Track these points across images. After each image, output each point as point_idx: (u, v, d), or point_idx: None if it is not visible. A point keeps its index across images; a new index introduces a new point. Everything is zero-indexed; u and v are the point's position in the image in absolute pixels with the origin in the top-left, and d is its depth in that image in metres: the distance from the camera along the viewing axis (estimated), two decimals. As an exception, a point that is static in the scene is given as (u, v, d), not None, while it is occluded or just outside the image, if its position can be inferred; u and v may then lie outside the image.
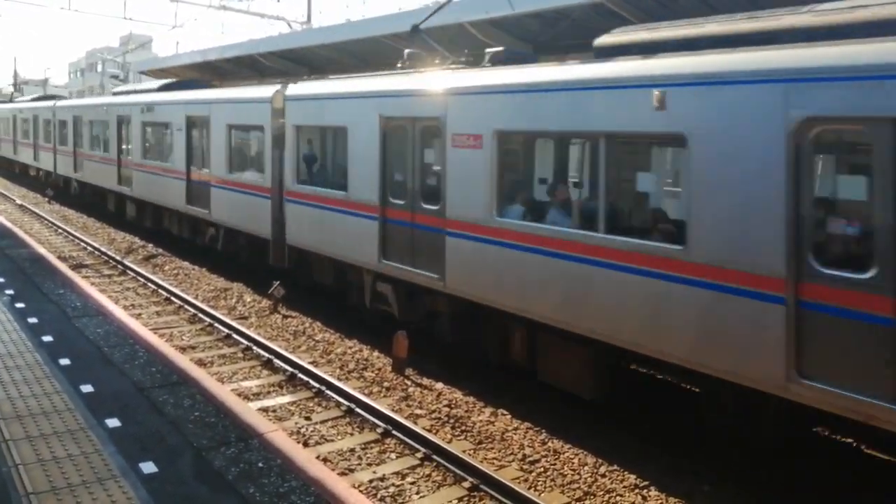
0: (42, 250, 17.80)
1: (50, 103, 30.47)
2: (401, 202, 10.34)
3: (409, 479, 7.18)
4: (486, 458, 7.59)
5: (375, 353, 10.78)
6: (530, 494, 6.71)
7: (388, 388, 9.52)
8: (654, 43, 7.67)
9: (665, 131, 7.13)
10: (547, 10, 14.11)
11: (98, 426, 6.90)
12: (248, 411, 8.29)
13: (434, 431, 8.17)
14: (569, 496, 6.92)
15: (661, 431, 8.17)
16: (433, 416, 8.66)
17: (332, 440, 8.03)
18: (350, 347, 11.10)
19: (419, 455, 7.59)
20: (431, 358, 10.44)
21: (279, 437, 7.64)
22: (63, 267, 15.88)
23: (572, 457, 7.60)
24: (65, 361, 9.46)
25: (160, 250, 18.83)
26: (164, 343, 10.78)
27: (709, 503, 6.86)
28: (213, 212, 15.98)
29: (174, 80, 22.87)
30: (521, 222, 8.61)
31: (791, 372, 5.97)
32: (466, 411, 8.75)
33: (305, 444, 7.83)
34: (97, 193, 24.51)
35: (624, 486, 7.06)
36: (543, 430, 8.18)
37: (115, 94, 24.83)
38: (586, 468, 7.38)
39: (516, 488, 6.76)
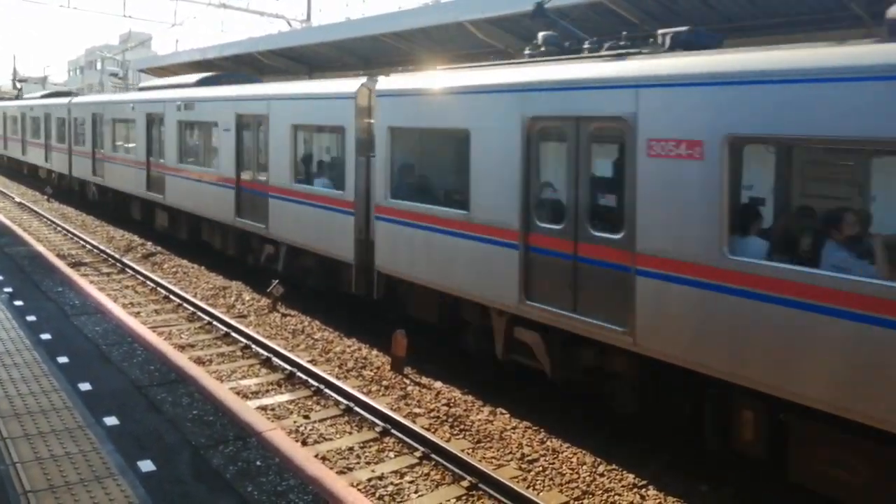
0: (41, 248, 17.82)
1: (65, 100, 27.95)
2: (554, 227, 8.23)
3: (407, 477, 7.18)
4: (484, 457, 7.59)
5: (374, 352, 10.78)
6: (529, 493, 6.71)
7: (386, 387, 9.53)
8: None
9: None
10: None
11: (96, 424, 6.88)
12: (247, 410, 8.30)
13: (433, 430, 8.17)
14: (567, 495, 6.92)
15: (660, 431, 8.16)
16: (432, 414, 8.66)
17: (331, 439, 8.03)
18: (349, 346, 11.10)
19: (418, 454, 7.60)
20: (430, 357, 10.44)
21: (277, 435, 7.64)
22: (62, 265, 15.90)
23: (571, 456, 7.61)
24: (63, 359, 9.47)
25: (159, 248, 18.82)
26: (163, 341, 10.78)
27: (707, 502, 6.87)
28: (271, 227, 13.77)
29: (216, 73, 20.48)
30: (778, 265, 6.26)
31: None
32: (465, 410, 8.75)
33: (304, 443, 7.83)
34: (119, 199, 22.48)
35: (622, 486, 7.06)
36: (542, 430, 8.19)
37: (141, 88, 22.74)
38: (585, 467, 7.39)
39: (515, 487, 6.76)
